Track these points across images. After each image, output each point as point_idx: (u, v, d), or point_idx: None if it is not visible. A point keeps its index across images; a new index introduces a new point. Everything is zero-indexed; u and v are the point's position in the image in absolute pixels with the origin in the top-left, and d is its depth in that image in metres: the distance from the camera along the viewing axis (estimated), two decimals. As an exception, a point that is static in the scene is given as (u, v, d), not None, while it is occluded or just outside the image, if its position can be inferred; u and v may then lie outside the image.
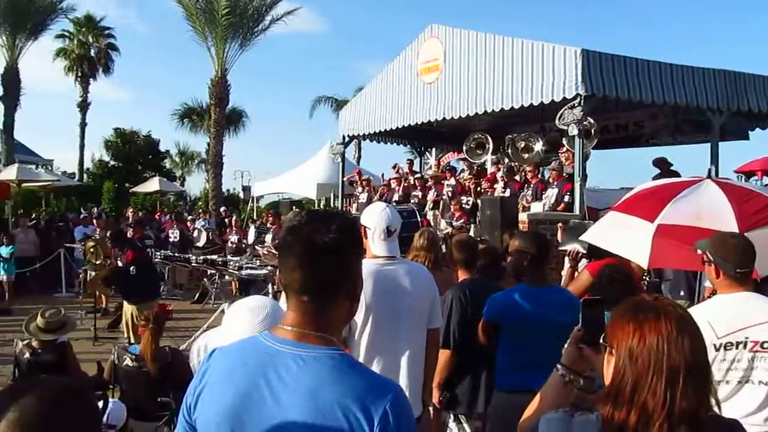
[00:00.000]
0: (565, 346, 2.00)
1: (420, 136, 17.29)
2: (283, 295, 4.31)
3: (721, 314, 2.85)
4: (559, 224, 8.45)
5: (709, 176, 4.41)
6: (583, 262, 5.57)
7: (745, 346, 2.86)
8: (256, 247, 12.95)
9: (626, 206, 4.44)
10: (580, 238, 5.06)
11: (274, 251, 10.53)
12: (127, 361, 4.99)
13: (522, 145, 12.17)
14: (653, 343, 1.52)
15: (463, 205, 11.48)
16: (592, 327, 1.80)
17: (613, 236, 4.44)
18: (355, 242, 1.67)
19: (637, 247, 4.02)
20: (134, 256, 8.61)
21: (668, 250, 3.81)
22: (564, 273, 6.13)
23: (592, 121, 9.63)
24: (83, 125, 36.73)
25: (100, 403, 4.11)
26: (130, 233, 11.29)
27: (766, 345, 2.85)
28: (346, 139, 16.21)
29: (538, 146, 11.92)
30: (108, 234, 10.16)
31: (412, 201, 13.15)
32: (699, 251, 3.10)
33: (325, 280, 1.56)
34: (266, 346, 1.55)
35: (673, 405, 1.48)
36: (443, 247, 6.35)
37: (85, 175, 36.56)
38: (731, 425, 1.63)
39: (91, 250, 10.79)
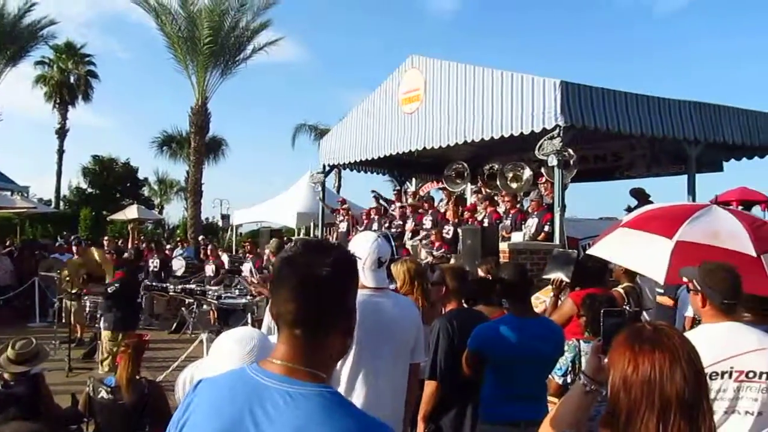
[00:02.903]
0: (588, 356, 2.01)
1: (400, 166, 17.35)
2: (264, 325, 4.23)
3: (707, 343, 2.83)
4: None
5: (715, 202, 4.45)
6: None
7: (730, 376, 2.85)
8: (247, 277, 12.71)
9: (638, 223, 4.38)
10: (589, 251, 5.02)
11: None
12: (103, 393, 4.86)
13: (510, 175, 12.23)
14: (646, 375, 1.53)
15: (444, 235, 11.48)
16: (612, 337, 1.79)
17: (626, 251, 4.39)
18: (352, 276, 1.62)
19: (654, 263, 3.97)
20: (123, 277, 8.59)
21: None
22: (548, 302, 6.13)
23: (571, 152, 9.72)
24: (61, 152, 36.59)
25: (75, 437, 4.00)
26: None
27: (751, 375, 2.85)
28: (327, 168, 16.22)
29: (527, 174, 11.98)
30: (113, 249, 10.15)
31: (392, 231, 13.15)
32: (685, 279, 3.10)
33: (319, 314, 1.51)
34: (253, 380, 1.50)
35: None
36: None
37: (61, 203, 36.27)
38: None
39: (67, 279, 10.63)
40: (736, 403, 2.85)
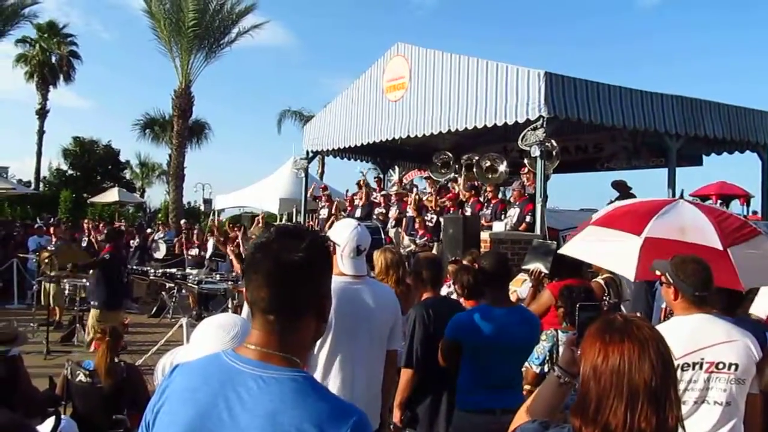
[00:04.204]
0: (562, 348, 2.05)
1: (384, 153, 17.33)
2: (245, 310, 4.24)
3: (678, 335, 2.89)
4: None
5: (681, 197, 4.49)
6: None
7: (701, 367, 2.91)
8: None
9: (608, 221, 4.41)
10: (560, 251, 5.05)
11: None
12: (81, 377, 4.85)
13: (487, 165, 12.27)
14: (615, 364, 1.57)
15: (427, 223, 11.50)
16: (585, 331, 1.82)
17: (596, 249, 4.43)
18: (325, 261, 1.64)
19: (624, 260, 4.03)
20: (111, 250, 8.86)
21: None
22: (526, 292, 6.19)
23: (554, 143, 9.76)
24: (41, 133, 36.13)
25: (52, 419, 3.99)
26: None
27: (721, 366, 2.91)
28: (310, 154, 16.17)
29: (503, 167, 12.02)
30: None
31: (374, 218, 13.16)
32: (657, 272, 3.15)
33: (292, 300, 1.52)
34: (228, 365, 1.51)
35: (633, 426, 1.52)
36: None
37: (41, 184, 35.85)
38: None
39: (46, 261, 10.55)
40: (706, 394, 2.92)
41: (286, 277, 1.51)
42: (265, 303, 1.52)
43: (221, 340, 2.03)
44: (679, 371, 2.86)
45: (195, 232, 16.90)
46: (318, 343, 3.12)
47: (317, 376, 3.14)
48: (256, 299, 1.53)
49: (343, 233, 3.37)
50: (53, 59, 35.81)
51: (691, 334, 2.94)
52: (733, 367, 2.90)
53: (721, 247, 3.89)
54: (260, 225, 12.77)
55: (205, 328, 2.14)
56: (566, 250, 4.73)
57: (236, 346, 1.73)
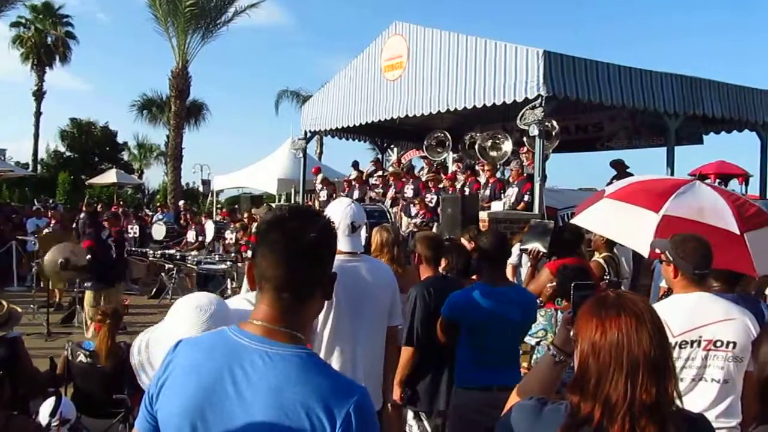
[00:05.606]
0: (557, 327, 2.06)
1: (382, 133, 17.30)
2: (243, 288, 4.24)
3: (677, 313, 2.91)
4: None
5: (697, 179, 4.45)
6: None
7: (699, 345, 2.93)
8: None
9: (624, 195, 4.32)
10: (572, 221, 5.01)
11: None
12: (81, 357, 4.86)
13: (489, 144, 12.22)
14: (613, 339, 1.58)
15: (427, 203, 11.51)
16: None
17: (612, 222, 4.38)
18: (334, 241, 1.67)
19: (639, 236, 3.96)
20: (91, 245, 8.84)
21: None
22: (516, 256, 6.22)
23: (554, 123, 9.72)
24: (38, 114, 36.01)
25: (53, 400, 4.01)
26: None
27: (718, 344, 2.93)
28: (308, 134, 16.13)
29: (507, 146, 11.97)
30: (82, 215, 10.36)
31: (370, 198, 13.16)
32: (657, 250, 3.14)
33: (306, 278, 1.55)
34: (233, 341, 1.53)
35: (634, 398, 1.54)
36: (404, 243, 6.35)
37: (39, 166, 35.80)
38: (695, 419, 1.68)
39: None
40: (703, 371, 2.93)
41: (302, 256, 1.54)
42: (278, 281, 1.54)
43: (198, 320, 2.06)
44: (677, 349, 2.87)
45: (189, 213, 16.87)
46: (320, 320, 3.18)
47: (321, 353, 3.19)
48: (269, 276, 1.55)
49: (337, 211, 3.43)
50: (49, 40, 35.58)
51: (690, 312, 2.95)
52: (731, 345, 2.91)
53: (738, 232, 3.84)
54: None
55: (181, 306, 2.16)
56: (579, 220, 4.67)
57: (212, 326, 1.75)
